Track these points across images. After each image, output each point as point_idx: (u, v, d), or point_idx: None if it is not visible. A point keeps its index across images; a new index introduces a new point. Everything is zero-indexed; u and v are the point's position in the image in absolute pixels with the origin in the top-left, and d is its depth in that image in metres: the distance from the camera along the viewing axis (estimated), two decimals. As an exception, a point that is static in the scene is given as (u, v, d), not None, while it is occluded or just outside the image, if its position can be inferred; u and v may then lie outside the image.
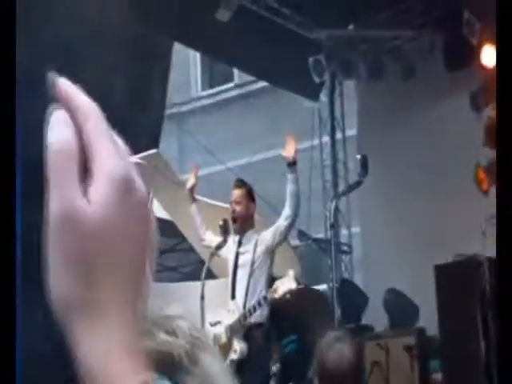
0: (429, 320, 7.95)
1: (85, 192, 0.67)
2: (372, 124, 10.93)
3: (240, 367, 6.53)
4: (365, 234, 11.22)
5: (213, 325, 6.70)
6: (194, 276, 7.99)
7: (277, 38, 10.15)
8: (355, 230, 11.69)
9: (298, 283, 6.43)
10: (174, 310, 1.17)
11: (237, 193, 6.98)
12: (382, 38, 10.30)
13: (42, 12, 8.63)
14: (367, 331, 8.71)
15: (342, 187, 11.14)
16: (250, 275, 6.78)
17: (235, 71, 16.24)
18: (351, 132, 11.82)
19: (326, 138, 12.07)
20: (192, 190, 7.23)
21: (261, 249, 6.82)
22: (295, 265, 7.58)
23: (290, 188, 6.78)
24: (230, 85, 17.16)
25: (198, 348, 1.11)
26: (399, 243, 9.90)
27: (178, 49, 11.90)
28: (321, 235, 11.32)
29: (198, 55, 16.94)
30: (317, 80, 10.42)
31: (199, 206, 7.26)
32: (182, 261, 10.80)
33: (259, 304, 6.66)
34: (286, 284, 6.50)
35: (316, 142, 12.06)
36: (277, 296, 6.56)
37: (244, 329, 6.72)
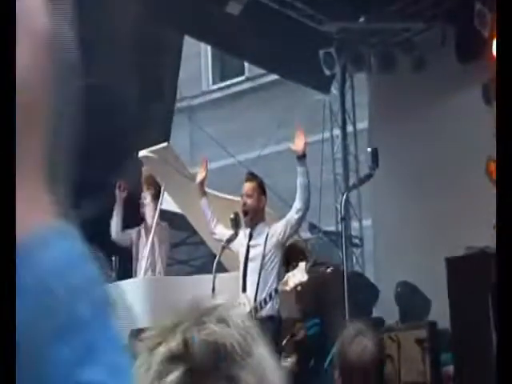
0: (440, 313, 7.94)
1: None
2: (383, 117, 10.90)
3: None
4: (376, 227, 11.20)
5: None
6: (205, 269, 8.00)
7: (287, 31, 10.14)
8: (366, 222, 11.68)
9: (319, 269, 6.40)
10: (224, 300, 1.12)
11: (248, 186, 6.98)
12: (392, 30, 10.27)
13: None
14: (378, 324, 8.71)
15: (352, 180, 11.12)
16: (261, 268, 6.78)
17: (246, 64, 16.22)
18: (362, 125, 11.80)
19: (337, 131, 12.05)
20: (202, 183, 7.24)
21: (271, 242, 6.82)
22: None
23: (300, 181, 6.77)
24: (241, 78, 17.14)
25: (251, 339, 1.07)
26: (410, 236, 9.87)
27: (189, 42, 11.90)
28: (332, 228, 11.32)
29: (208, 48, 16.93)
30: (327, 73, 10.40)
31: (210, 200, 7.26)
32: (192, 254, 10.82)
33: (270, 297, 6.66)
34: (297, 276, 6.50)
35: (327, 134, 12.04)
36: (288, 288, 6.56)
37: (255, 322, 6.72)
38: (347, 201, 8.30)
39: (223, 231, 6.99)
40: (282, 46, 10.23)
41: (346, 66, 10.91)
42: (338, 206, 8.60)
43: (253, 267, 6.82)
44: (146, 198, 7.90)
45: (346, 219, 8.61)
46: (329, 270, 6.79)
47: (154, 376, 1.01)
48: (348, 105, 11.92)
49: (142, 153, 7.78)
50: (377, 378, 3.13)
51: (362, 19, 10.37)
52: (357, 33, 10.37)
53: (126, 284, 7.45)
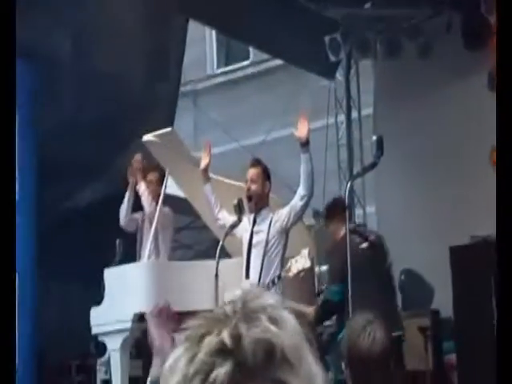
0: (443, 301, 7.94)
1: None
2: (388, 103, 10.87)
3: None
4: (380, 215, 11.19)
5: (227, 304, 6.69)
6: (209, 254, 7.99)
7: (293, 16, 10.09)
8: (370, 209, 11.66)
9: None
10: (275, 300, 1.05)
11: (252, 171, 6.96)
12: (398, 16, 10.22)
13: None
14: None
15: (357, 167, 11.10)
16: (265, 254, 6.77)
17: (251, 49, 16.17)
18: (367, 111, 11.77)
19: (342, 117, 12.02)
20: (205, 170, 7.22)
21: (275, 228, 6.81)
22: (310, 244, 7.55)
23: (303, 168, 6.74)
24: (246, 62, 17.09)
25: (302, 345, 1.00)
26: (414, 224, 9.86)
27: (194, 26, 11.85)
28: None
29: (213, 33, 16.87)
30: (333, 59, 10.36)
31: (213, 185, 7.24)
32: (197, 238, 10.81)
33: (273, 283, 6.66)
34: (300, 262, 6.49)
35: (331, 120, 12.01)
36: (290, 275, 6.55)
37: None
38: (351, 188, 8.27)
39: (227, 217, 6.98)
40: (287, 32, 10.19)
41: (352, 51, 10.88)
42: (342, 194, 8.57)
43: (256, 253, 6.81)
44: (141, 186, 7.90)
45: (350, 206, 8.59)
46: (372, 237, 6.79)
47: (198, 367, 0.96)
48: (353, 91, 11.88)
49: (146, 137, 7.76)
50: (385, 368, 3.11)
51: (368, 5, 10.33)
52: (363, 19, 10.32)
53: (129, 268, 7.45)
